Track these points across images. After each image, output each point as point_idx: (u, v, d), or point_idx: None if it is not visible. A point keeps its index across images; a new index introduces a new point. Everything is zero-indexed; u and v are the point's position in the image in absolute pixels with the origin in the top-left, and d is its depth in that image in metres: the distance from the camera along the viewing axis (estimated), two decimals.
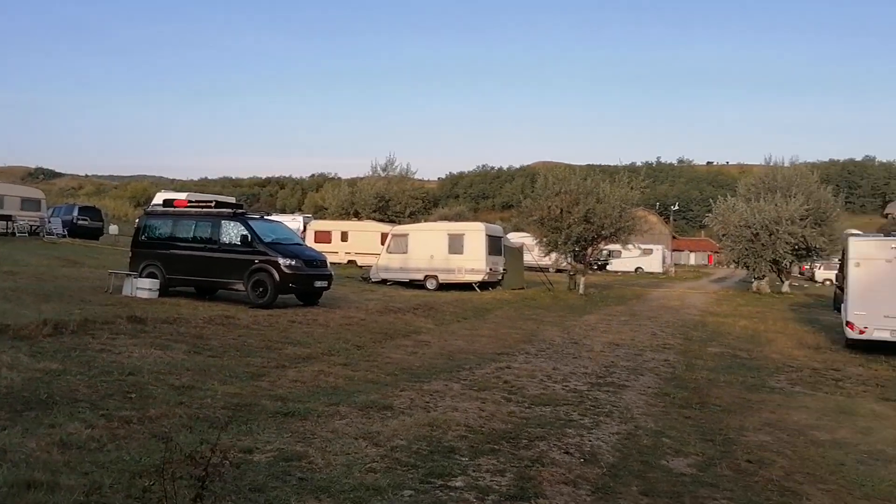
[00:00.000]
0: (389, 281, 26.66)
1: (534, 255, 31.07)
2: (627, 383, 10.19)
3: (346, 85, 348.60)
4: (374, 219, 46.73)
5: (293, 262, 16.23)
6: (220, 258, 16.50)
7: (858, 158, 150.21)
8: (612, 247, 35.76)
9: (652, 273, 54.41)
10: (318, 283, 17.14)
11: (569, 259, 29.71)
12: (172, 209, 18.21)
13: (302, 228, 38.63)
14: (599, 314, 20.92)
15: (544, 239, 29.03)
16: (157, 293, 16.20)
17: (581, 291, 27.96)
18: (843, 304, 16.28)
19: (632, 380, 10.50)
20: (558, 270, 34.96)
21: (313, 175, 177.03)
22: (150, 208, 20.86)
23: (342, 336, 12.90)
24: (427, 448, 6.12)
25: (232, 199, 20.19)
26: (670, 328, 17.97)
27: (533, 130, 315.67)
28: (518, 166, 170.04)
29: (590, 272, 32.48)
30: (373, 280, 26.97)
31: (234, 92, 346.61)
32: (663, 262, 58.23)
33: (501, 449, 6.29)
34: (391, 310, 17.40)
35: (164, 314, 13.27)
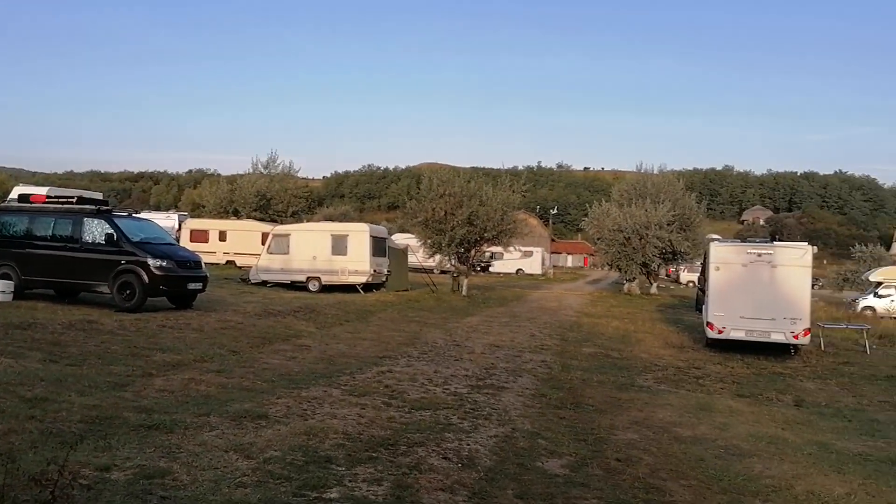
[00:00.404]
0: (270, 282, 25.88)
1: (418, 256, 31.16)
2: (506, 385, 10.38)
3: (227, 78, 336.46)
4: (254, 218, 45.23)
5: (164, 263, 15.40)
6: (83, 258, 15.40)
7: (719, 168, 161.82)
8: (494, 249, 36.47)
9: (532, 275, 55.97)
10: (192, 285, 16.35)
11: (453, 261, 30.02)
12: (29, 205, 16.83)
13: (176, 227, 36.81)
14: (481, 316, 21.25)
15: (428, 241, 29.16)
16: (11, 296, 14.93)
17: (464, 293, 28.30)
18: (704, 306, 17.42)
19: (511, 381, 10.70)
20: (442, 272, 35.27)
21: (191, 171, 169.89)
22: (4, 204, 19.16)
23: (217, 341, 12.35)
24: (302, 458, 5.93)
25: (98, 195, 18.89)
26: (548, 329, 18.52)
27: (419, 131, 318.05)
28: (404, 167, 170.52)
29: (473, 274, 33.01)
30: (252, 281, 26.08)
31: (104, 78, 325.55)
32: (543, 264, 60.03)
33: (379, 456, 6.20)
34: (270, 313, 16.88)
35: (17, 319, 12.22)
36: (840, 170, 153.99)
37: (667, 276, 53.91)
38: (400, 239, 37.40)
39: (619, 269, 36.41)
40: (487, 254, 45.21)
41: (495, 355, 13.29)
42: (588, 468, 6.41)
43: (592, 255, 68.29)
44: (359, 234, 26.42)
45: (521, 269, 56.27)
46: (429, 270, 32.29)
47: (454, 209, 27.78)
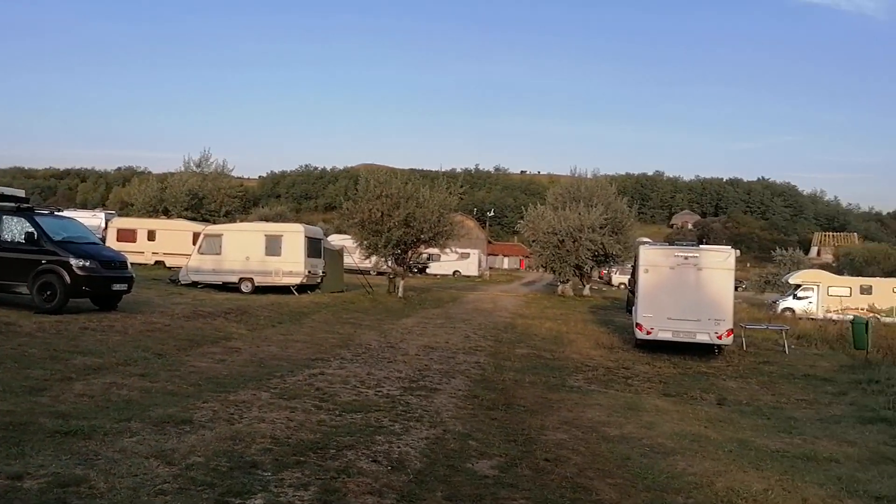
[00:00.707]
0: (201, 284, 25.20)
1: (354, 258, 30.92)
2: (439, 386, 10.39)
3: (159, 74, 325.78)
4: (185, 217, 44.04)
5: (87, 263, 14.79)
6: (1, 258, 14.65)
7: (650, 173, 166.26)
8: (431, 251, 36.52)
9: (469, 276, 56.25)
10: (117, 286, 15.77)
11: (389, 262, 29.90)
12: None
13: (103, 226, 35.48)
14: (417, 317, 21.23)
15: (365, 242, 28.94)
16: None
17: (400, 295, 28.21)
18: (633, 307, 17.86)
19: (444, 383, 10.72)
20: (379, 273, 35.09)
21: (120, 168, 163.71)
22: None
23: (141, 344, 11.93)
24: (227, 464, 5.78)
25: (20, 192, 17.96)
26: (482, 330, 18.65)
27: (358, 132, 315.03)
28: (342, 167, 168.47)
29: (410, 275, 32.95)
30: (182, 282, 25.34)
31: (27, 71, 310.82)
32: (479, 265, 60.42)
33: (308, 461, 6.10)
34: (200, 314, 16.43)
35: None
36: (763, 177, 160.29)
37: (599, 278, 55.08)
38: (336, 240, 37.01)
39: (553, 271, 37.00)
40: (424, 255, 45.34)
41: (429, 357, 13.30)
42: (517, 469, 6.47)
43: (528, 257, 69.11)
44: (293, 235, 26.02)
45: (457, 271, 56.50)
46: (365, 272, 32.07)
47: (391, 210, 27.65)
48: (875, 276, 43.41)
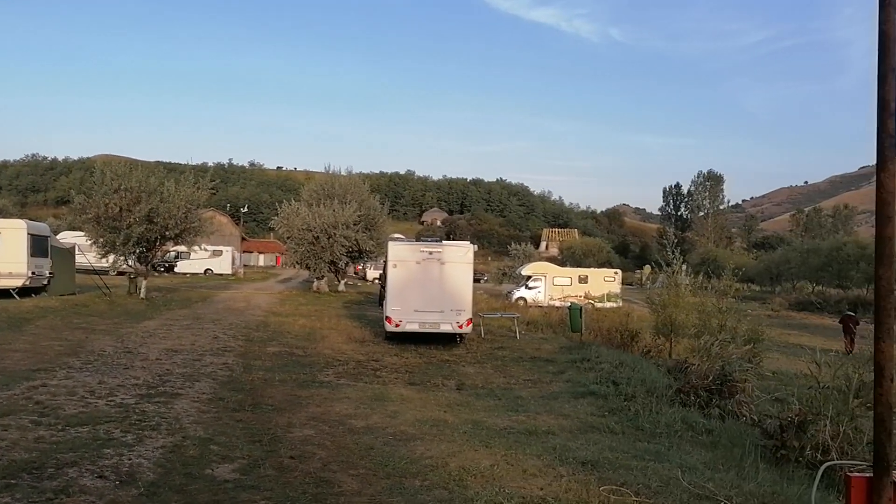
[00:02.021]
0: None
1: (89, 257, 28.02)
2: (181, 391, 9.90)
3: None
4: None
5: None
6: None
7: (402, 172, 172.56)
8: (180, 248, 34.38)
9: (221, 275, 53.93)
10: None
11: (130, 261, 27.57)
12: None
13: None
14: (161, 319, 19.89)
15: (101, 239, 26.39)
16: None
17: (142, 296, 26.24)
18: (384, 301, 18.50)
19: (186, 387, 10.23)
20: (120, 273, 32.19)
21: None
22: None
23: None
24: None
25: None
26: (233, 330, 18.05)
27: (96, 119, 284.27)
28: (77, 158, 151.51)
29: (155, 275, 30.70)
30: None
31: None
32: (233, 263, 58.17)
33: (20, 483, 5.51)
34: None
35: None
36: (501, 178, 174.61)
37: (355, 273, 55.99)
38: (69, 237, 33.24)
39: (309, 268, 36.90)
40: (172, 253, 42.48)
41: (172, 360, 12.58)
42: (260, 469, 6.43)
43: (284, 253, 67.89)
44: (14, 232, 23.07)
45: (209, 269, 53.93)
46: (102, 272, 29.19)
47: (131, 205, 25.58)
48: (591, 267, 49.69)
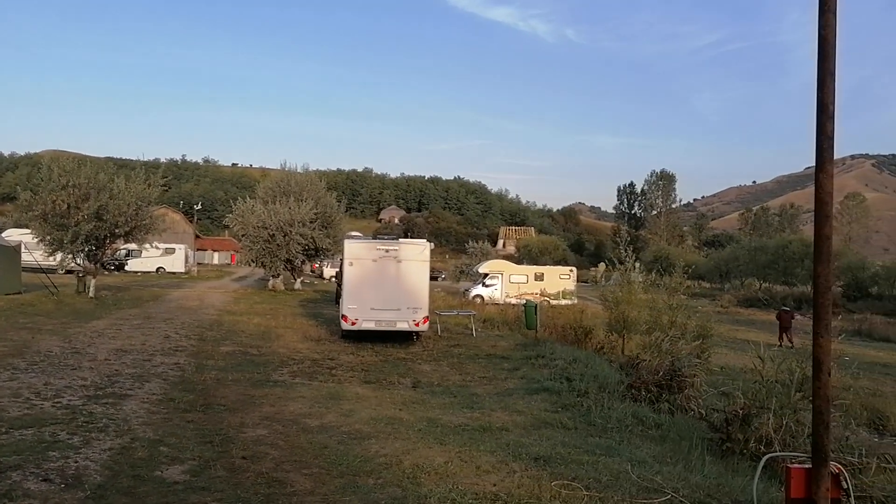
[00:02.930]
0: None
1: (36, 255, 27.16)
2: (131, 392, 9.69)
3: None
4: None
5: None
6: None
7: (360, 170, 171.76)
8: (131, 246, 33.59)
9: (174, 273, 52.95)
10: None
11: (79, 260, 26.85)
12: None
13: None
14: (110, 318, 19.42)
15: (48, 237, 25.64)
16: None
17: (92, 295, 25.60)
18: (340, 299, 18.39)
19: (136, 388, 10.03)
20: (68, 272, 31.31)
21: None
22: None
23: None
24: None
25: None
26: (185, 329, 17.72)
27: (43, 114, 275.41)
28: (23, 154, 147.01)
29: (105, 273, 29.92)
30: None
31: None
32: (186, 261, 57.11)
33: None
34: None
35: None
36: (458, 176, 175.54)
37: (312, 271, 55.49)
38: (16, 235, 32.17)
39: (264, 266, 36.45)
40: (122, 251, 41.52)
41: (121, 361, 12.31)
42: (211, 470, 6.34)
43: (239, 251, 66.88)
44: None
45: (162, 268, 52.91)
46: (50, 270, 28.33)
47: (79, 202, 24.93)
48: (547, 265, 50.22)
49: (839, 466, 3.89)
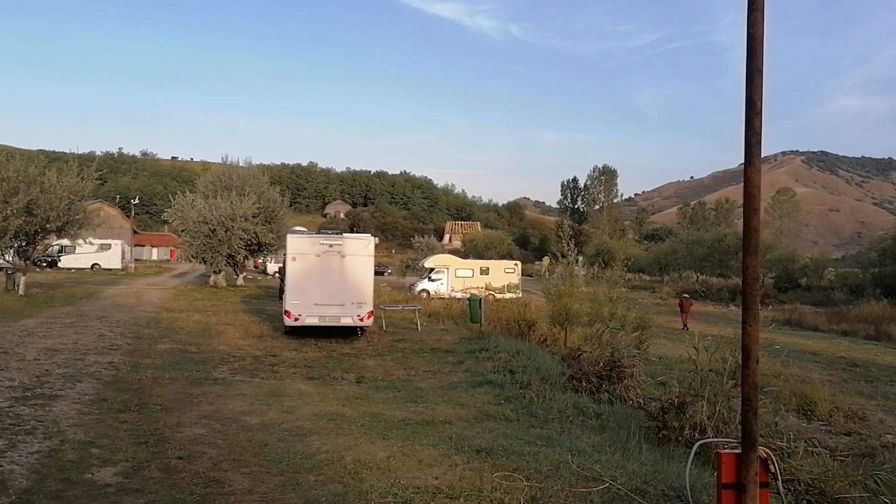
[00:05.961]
0: None
1: None
2: (61, 393, 9.35)
3: None
4: None
5: None
6: None
7: (304, 164, 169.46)
8: (64, 242, 32.41)
9: (111, 269, 51.39)
10: None
11: (7, 256, 25.76)
12: None
13: None
14: (41, 317, 18.70)
15: None
16: None
17: (21, 292, 24.63)
18: (283, 295, 18.13)
19: (67, 388, 9.68)
20: None
21: None
22: None
23: None
24: None
25: None
26: (121, 327, 17.20)
27: None
28: None
29: (36, 270, 28.76)
30: None
31: None
32: (123, 257, 55.49)
33: None
34: None
35: None
36: (405, 171, 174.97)
37: (255, 267, 54.57)
38: None
39: (205, 262, 35.63)
40: (55, 247, 40.02)
41: (52, 360, 11.86)
42: (145, 472, 6.16)
43: (178, 247, 65.23)
44: None
45: (97, 264, 51.32)
46: None
47: (8, 197, 23.92)
48: (492, 259, 50.59)
49: (767, 451, 4.01)
